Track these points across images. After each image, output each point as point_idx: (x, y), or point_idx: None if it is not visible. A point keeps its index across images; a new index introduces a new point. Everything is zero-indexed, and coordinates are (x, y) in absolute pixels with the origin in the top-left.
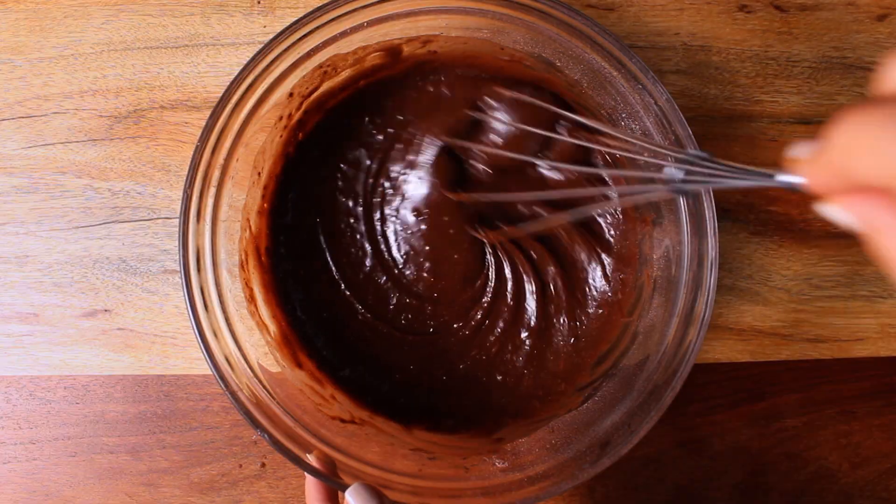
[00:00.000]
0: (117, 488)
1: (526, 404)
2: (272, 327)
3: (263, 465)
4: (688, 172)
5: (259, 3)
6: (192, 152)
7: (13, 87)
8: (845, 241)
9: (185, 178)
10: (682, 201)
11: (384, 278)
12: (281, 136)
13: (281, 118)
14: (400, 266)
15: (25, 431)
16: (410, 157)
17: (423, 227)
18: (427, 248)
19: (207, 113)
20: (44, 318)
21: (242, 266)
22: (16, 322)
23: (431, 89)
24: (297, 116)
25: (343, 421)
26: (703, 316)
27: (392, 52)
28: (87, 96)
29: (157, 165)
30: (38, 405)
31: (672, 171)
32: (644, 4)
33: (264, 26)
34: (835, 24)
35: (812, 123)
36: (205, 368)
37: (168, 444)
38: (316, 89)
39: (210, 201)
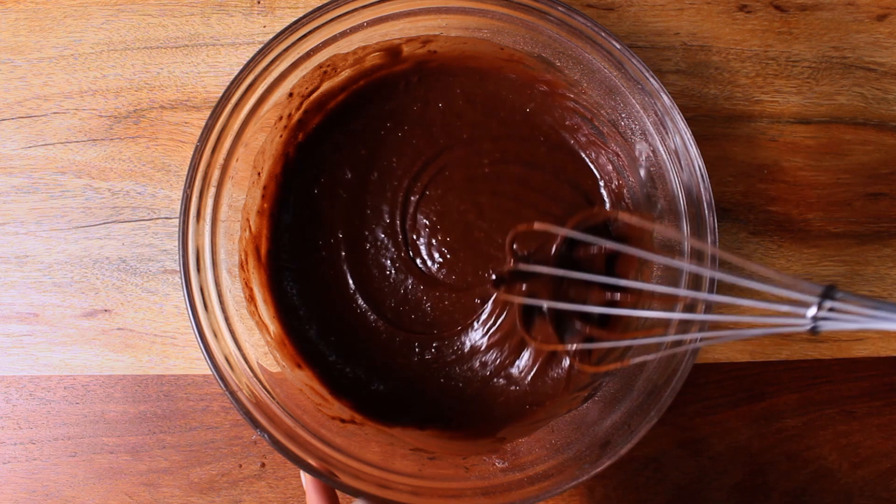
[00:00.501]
0: (117, 488)
1: (526, 403)
2: (272, 327)
3: (263, 465)
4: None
5: (259, 3)
6: (192, 152)
7: (13, 87)
8: (845, 241)
9: (185, 178)
10: (681, 201)
11: (386, 278)
12: (281, 137)
13: (281, 118)
14: (403, 266)
15: (25, 431)
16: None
17: (431, 228)
18: (432, 248)
19: (207, 113)
20: (44, 318)
21: (242, 266)
22: (16, 322)
23: (441, 105)
24: (296, 116)
25: (343, 421)
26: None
27: (392, 51)
28: (87, 96)
29: (157, 165)
30: (38, 405)
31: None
32: (644, 4)
33: (264, 26)
34: (835, 24)
35: (812, 123)
36: (205, 368)
37: (168, 444)
38: (316, 89)
39: (210, 201)
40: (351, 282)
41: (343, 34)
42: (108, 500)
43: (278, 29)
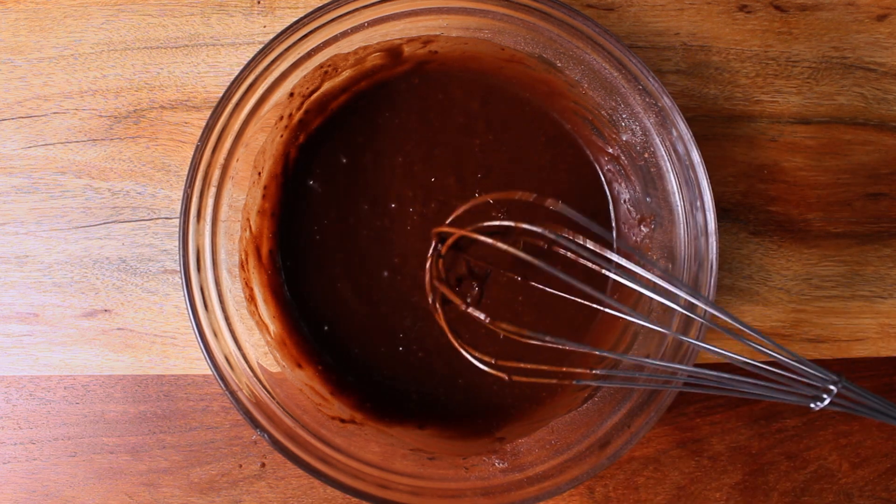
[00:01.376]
0: (117, 488)
1: (526, 402)
2: (272, 327)
3: (263, 465)
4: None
5: (259, 3)
6: (192, 152)
7: (13, 87)
8: (845, 241)
9: (185, 178)
10: (679, 200)
11: (387, 277)
12: (281, 136)
13: (281, 118)
14: (404, 266)
15: (25, 431)
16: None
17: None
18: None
19: (207, 113)
20: (44, 318)
21: (242, 266)
22: (16, 322)
23: (440, 97)
24: (297, 116)
25: (343, 421)
26: (703, 316)
27: (393, 52)
28: (87, 96)
29: (157, 165)
30: (38, 405)
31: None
32: (644, 4)
33: (264, 26)
34: (835, 24)
35: (812, 123)
36: (205, 368)
37: (168, 444)
38: (317, 89)
39: (210, 201)
40: (341, 272)
41: (344, 34)
42: (108, 500)
43: (278, 29)
